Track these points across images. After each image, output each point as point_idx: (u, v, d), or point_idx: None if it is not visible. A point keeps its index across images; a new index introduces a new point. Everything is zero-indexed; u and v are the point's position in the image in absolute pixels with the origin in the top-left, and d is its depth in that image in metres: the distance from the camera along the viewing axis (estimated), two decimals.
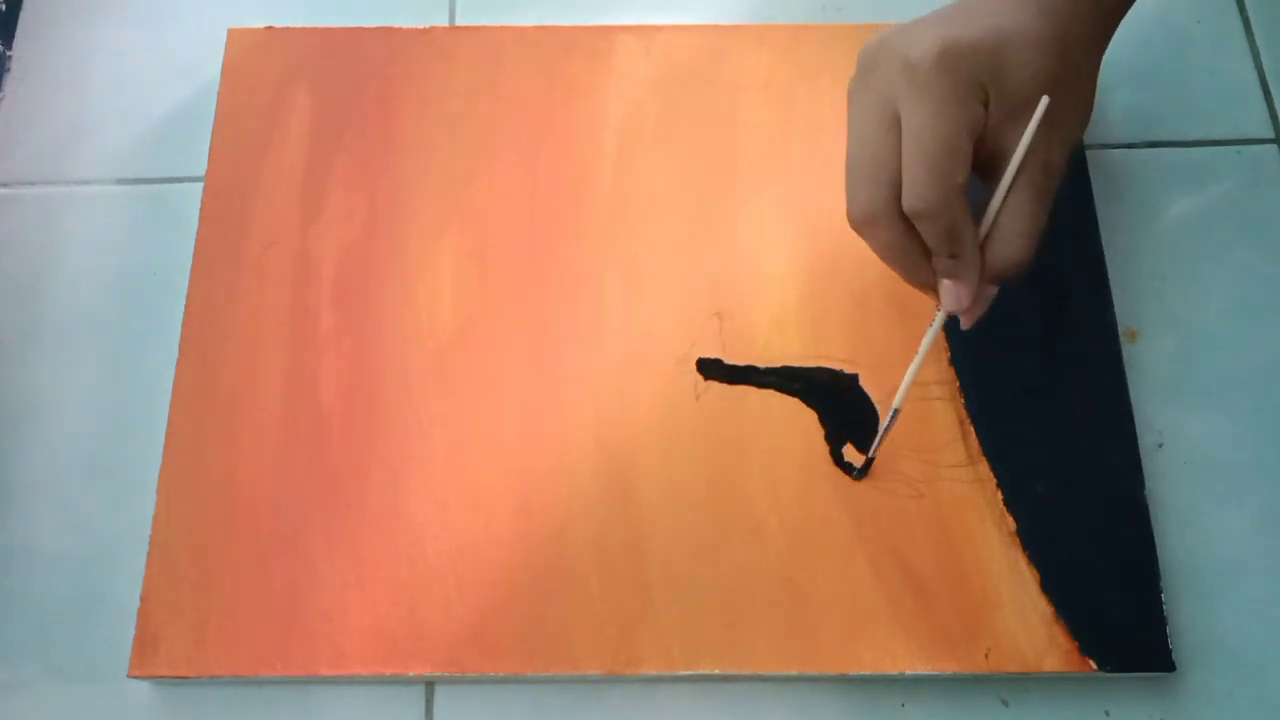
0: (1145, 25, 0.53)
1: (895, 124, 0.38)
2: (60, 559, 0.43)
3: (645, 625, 0.41)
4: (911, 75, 0.37)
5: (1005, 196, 0.38)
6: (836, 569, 0.41)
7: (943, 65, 0.37)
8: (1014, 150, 0.38)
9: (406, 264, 0.47)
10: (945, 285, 0.39)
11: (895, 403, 0.41)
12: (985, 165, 0.39)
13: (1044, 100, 0.37)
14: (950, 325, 0.44)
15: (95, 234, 0.49)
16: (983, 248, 0.39)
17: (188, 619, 0.41)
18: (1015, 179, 0.38)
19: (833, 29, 0.51)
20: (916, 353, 0.40)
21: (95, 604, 0.43)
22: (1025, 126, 0.38)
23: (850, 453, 0.43)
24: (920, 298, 0.46)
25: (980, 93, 0.38)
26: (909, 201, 0.37)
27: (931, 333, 0.40)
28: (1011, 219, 0.38)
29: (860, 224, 0.39)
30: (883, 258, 0.40)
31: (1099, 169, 0.49)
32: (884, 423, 0.42)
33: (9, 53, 0.53)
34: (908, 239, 0.38)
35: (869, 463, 0.43)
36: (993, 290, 0.39)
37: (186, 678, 0.40)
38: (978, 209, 0.39)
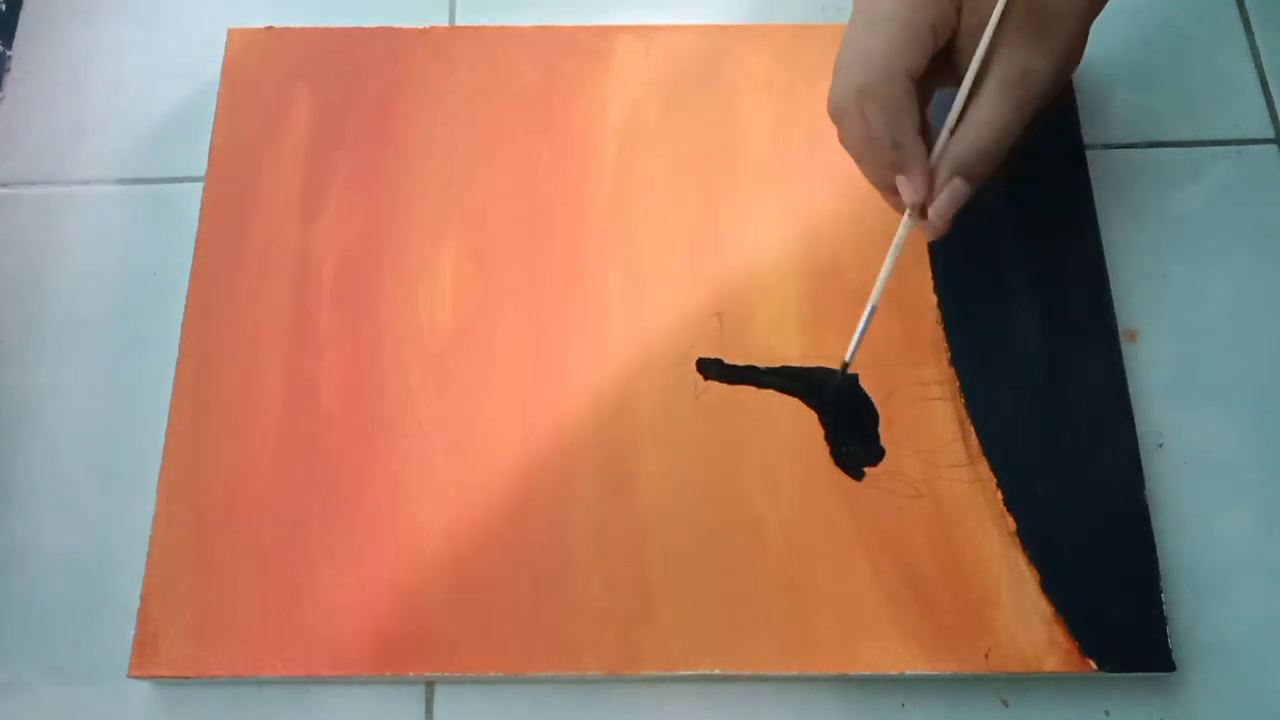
0: (1145, 25, 0.53)
1: (874, 24, 0.39)
2: (60, 559, 0.43)
3: (645, 625, 0.41)
4: None
5: (977, 93, 0.39)
6: (836, 569, 0.41)
7: None
8: (977, 49, 0.39)
9: (406, 264, 0.47)
10: (900, 180, 0.39)
11: (872, 300, 0.41)
12: (962, 79, 0.39)
13: None
14: (949, 325, 0.44)
15: (95, 234, 0.49)
16: (949, 142, 0.39)
17: (188, 619, 0.41)
18: (990, 78, 0.39)
19: (833, 29, 0.51)
20: (885, 257, 0.41)
21: (95, 604, 0.43)
22: (988, 26, 0.38)
23: (854, 457, 0.43)
24: (920, 298, 0.46)
25: None
26: (859, 81, 0.38)
27: (899, 235, 0.40)
28: (980, 110, 0.39)
29: (834, 115, 0.40)
30: (850, 152, 0.41)
31: (1099, 169, 0.49)
32: (862, 321, 0.41)
33: (9, 53, 0.53)
34: (864, 128, 0.39)
35: (845, 367, 0.43)
36: (960, 185, 0.39)
37: (186, 678, 0.40)
38: None
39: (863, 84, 0.38)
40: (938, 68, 0.40)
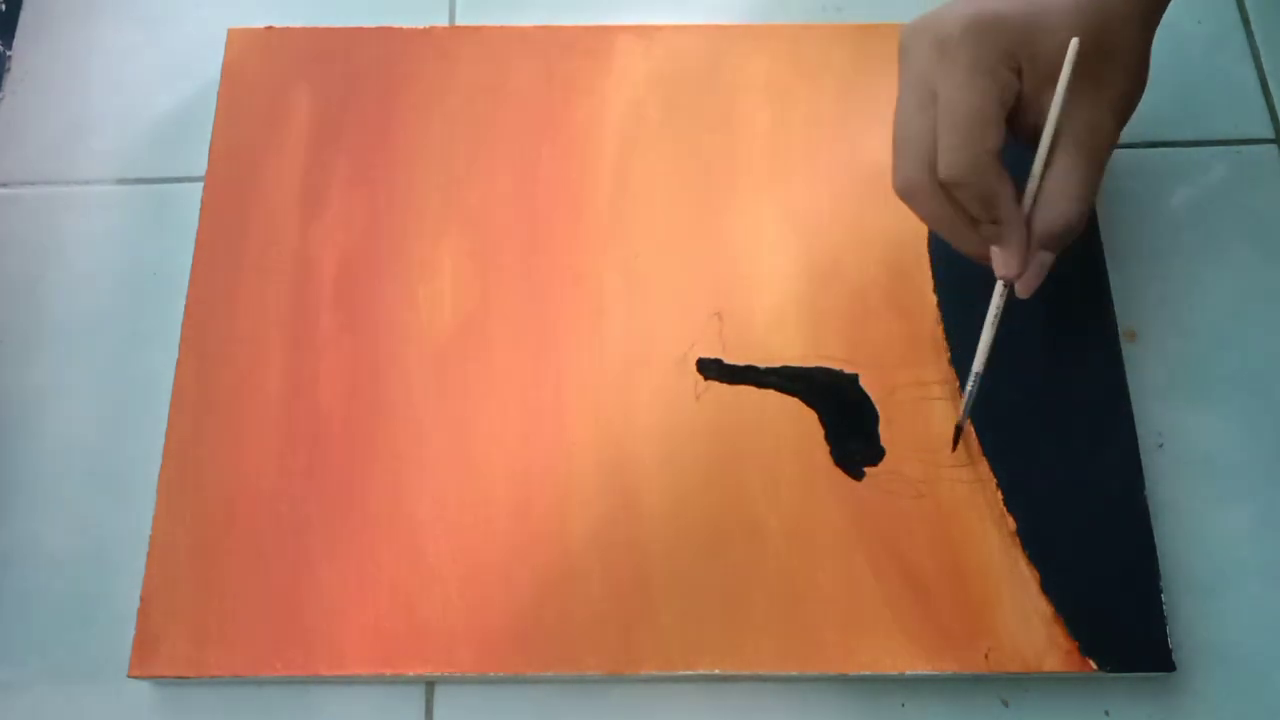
0: None
1: (931, 100, 0.38)
2: (60, 559, 0.43)
3: (645, 625, 0.41)
4: (942, 49, 0.38)
5: (1050, 159, 0.39)
6: (836, 569, 0.41)
7: (970, 37, 0.37)
8: (1049, 113, 0.38)
9: (406, 264, 0.47)
10: (994, 252, 0.39)
11: (976, 366, 0.41)
12: (1032, 137, 0.39)
13: (1073, 42, 0.37)
14: (949, 325, 0.44)
15: (95, 234, 0.49)
16: (1030, 215, 0.39)
17: (188, 619, 0.41)
18: (1060, 141, 0.38)
19: (833, 29, 0.51)
20: (985, 326, 0.41)
21: (95, 604, 0.43)
22: (1057, 88, 0.38)
23: (856, 456, 0.43)
24: (920, 298, 0.46)
25: (1011, 61, 0.38)
26: (944, 171, 0.38)
27: (995, 299, 0.40)
28: (1057, 180, 0.39)
29: (903, 196, 0.40)
30: (930, 226, 0.41)
31: None
32: (969, 387, 0.42)
33: (9, 53, 0.53)
34: (949, 208, 0.39)
35: (959, 431, 0.43)
36: (1048, 256, 0.40)
37: (186, 678, 0.40)
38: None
39: (950, 178, 0.38)
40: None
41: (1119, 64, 0.39)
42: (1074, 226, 0.39)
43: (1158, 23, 0.41)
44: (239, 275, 0.46)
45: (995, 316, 0.40)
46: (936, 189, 0.39)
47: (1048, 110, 0.38)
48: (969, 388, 0.42)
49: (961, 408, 0.43)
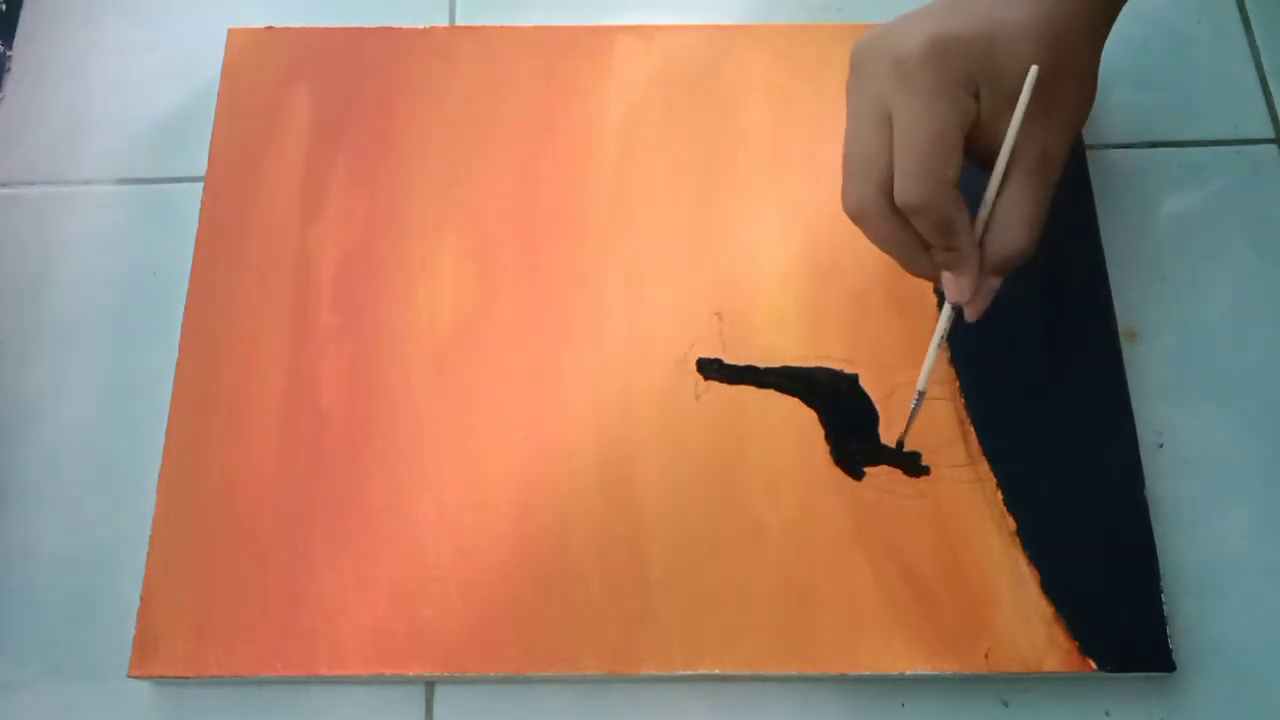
0: (1145, 25, 0.53)
1: (886, 121, 0.38)
2: (60, 559, 0.43)
3: (645, 625, 0.41)
4: (900, 71, 0.37)
5: (1002, 185, 0.38)
6: (836, 569, 0.41)
7: (930, 60, 0.37)
8: (1005, 141, 0.38)
9: (406, 264, 0.47)
10: (946, 277, 0.39)
11: (920, 385, 0.41)
12: (985, 158, 0.39)
13: (1032, 70, 0.37)
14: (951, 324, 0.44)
15: (95, 234, 0.49)
16: (982, 240, 0.39)
17: (188, 619, 0.41)
18: (1013, 168, 0.38)
19: (833, 29, 0.51)
20: (929, 346, 0.41)
21: (95, 604, 0.43)
22: (1014, 116, 0.37)
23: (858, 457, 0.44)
24: (920, 298, 0.46)
25: (970, 85, 0.38)
26: (900, 197, 0.37)
27: (942, 321, 0.40)
28: (1009, 208, 0.38)
29: (854, 217, 0.39)
30: (882, 249, 0.40)
31: (1099, 169, 0.49)
32: (914, 405, 0.42)
33: (9, 53, 0.53)
34: (903, 232, 0.39)
35: (900, 446, 0.43)
36: (996, 281, 0.39)
37: (186, 678, 0.40)
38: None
39: (907, 204, 0.37)
40: None
41: (1073, 83, 0.39)
42: (1026, 253, 0.39)
43: (1106, 37, 0.41)
44: (239, 275, 0.46)
45: (941, 338, 0.40)
46: (890, 212, 0.38)
47: (1003, 133, 0.38)
48: (914, 405, 0.42)
49: (906, 425, 0.43)
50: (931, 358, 0.41)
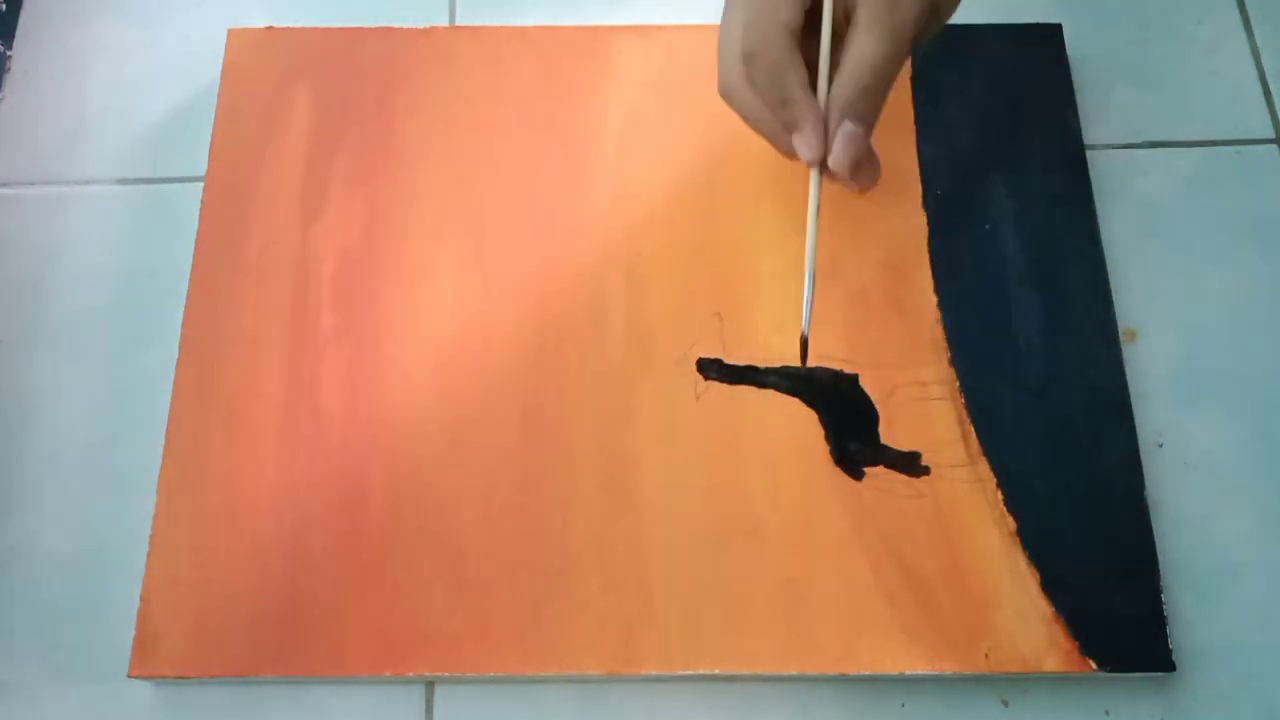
0: (1145, 25, 0.53)
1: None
2: (60, 559, 0.43)
3: (645, 625, 0.41)
4: None
5: (850, 32, 0.38)
6: (836, 569, 0.41)
7: None
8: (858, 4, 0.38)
9: (406, 264, 0.47)
10: (796, 138, 0.39)
11: (808, 266, 0.41)
12: (841, 25, 0.39)
13: None
14: (949, 325, 0.44)
15: (95, 234, 0.49)
16: (831, 88, 0.39)
17: (188, 619, 0.41)
18: (857, 17, 0.38)
19: None
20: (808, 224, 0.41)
21: (95, 604, 0.43)
22: None
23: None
24: (920, 298, 0.46)
25: None
26: (742, 49, 0.38)
27: (813, 195, 0.40)
28: (850, 50, 0.38)
29: (723, 95, 0.40)
30: (750, 127, 0.41)
31: (1099, 169, 0.49)
32: (807, 292, 0.41)
33: (9, 53, 0.53)
34: (758, 100, 0.39)
35: (804, 342, 0.42)
36: (853, 130, 0.39)
37: (186, 678, 0.40)
38: None
39: (744, 51, 0.38)
40: (816, 21, 0.40)
41: None
42: (872, 91, 0.38)
43: None
44: (239, 275, 0.46)
45: (815, 210, 0.40)
46: (746, 82, 0.39)
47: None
48: (806, 293, 0.41)
49: (803, 316, 0.42)
50: (812, 234, 0.40)
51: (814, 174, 0.40)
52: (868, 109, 0.39)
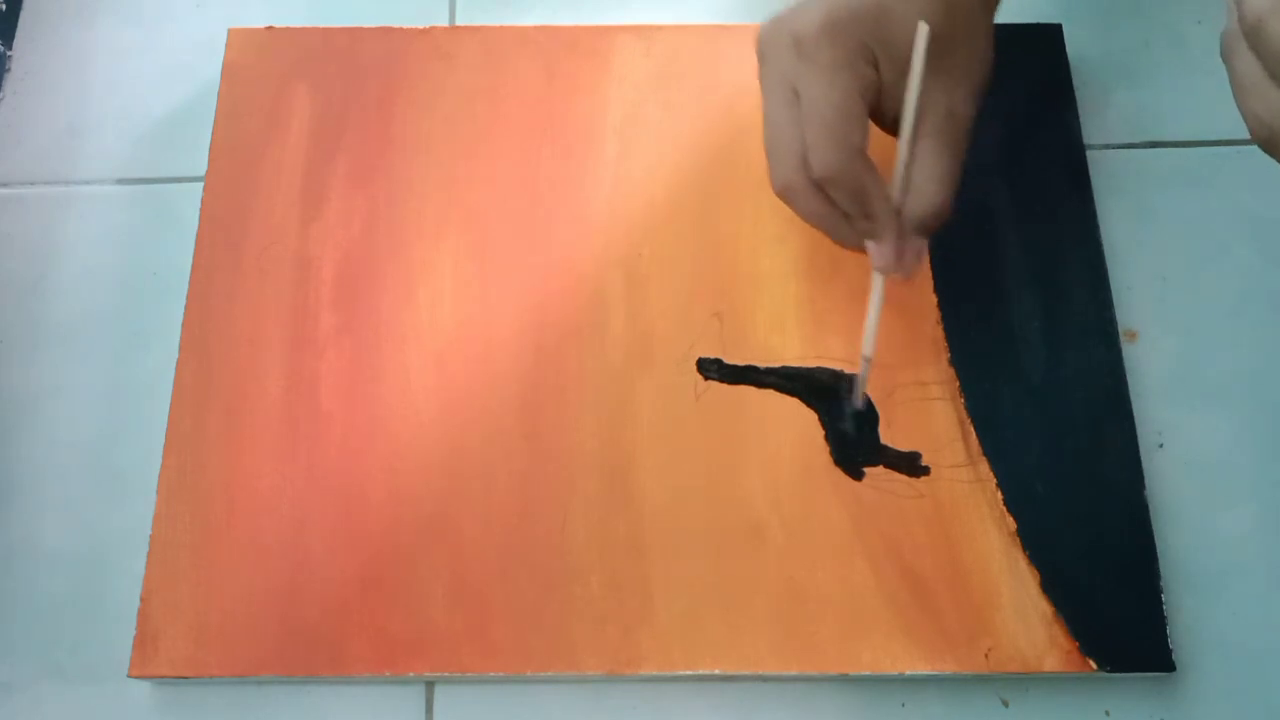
0: (1145, 25, 0.53)
1: (795, 99, 0.39)
2: (60, 559, 0.43)
3: (645, 625, 0.41)
4: (800, 49, 0.39)
5: (912, 148, 0.39)
6: (836, 569, 0.41)
7: (826, 35, 0.38)
8: (905, 102, 0.39)
9: (406, 264, 0.47)
10: (869, 246, 0.41)
11: (865, 351, 0.42)
12: (894, 125, 0.40)
13: (921, 26, 0.38)
14: (949, 325, 0.44)
15: (95, 234, 0.49)
16: (902, 205, 0.40)
17: (188, 619, 0.41)
18: (921, 129, 0.39)
19: None
20: (868, 314, 0.42)
21: (95, 604, 0.43)
22: (910, 76, 0.39)
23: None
24: (920, 298, 0.46)
25: (867, 55, 0.39)
26: (815, 170, 0.39)
27: (876, 291, 0.41)
28: (922, 168, 0.40)
29: (782, 197, 0.41)
30: (810, 224, 0.41)
31: (1099, 169, 0.49)
32: (861, 373, 0.43)
33: (9, 53, 0.53)
34: (825, 206, 0.40)
35: (868, 405, 0.43)
36: (921, 243, 0.41)
37: (186, 678, 0.40)
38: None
39: (822, 173, 0.39)
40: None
41: (966, 49, 0.40)
42: (942, 211, 0.40)
43: (997, 6, 0.42)
44: (239, 275, 0.46)
45: (878, 305, 0.41)
46: (811, 187, 0.39)
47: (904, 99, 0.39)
48: (860, 373, 0.43)
49: (855, 392, 0.43)
50: (872, 325, 0.42)
51: (878, 275, 0.41)
52: (940, 223, 0.40)
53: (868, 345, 0.42)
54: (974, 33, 0.41)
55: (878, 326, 0.42)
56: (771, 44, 0.40)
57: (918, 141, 0.39)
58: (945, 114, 0.40)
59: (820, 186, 0.39)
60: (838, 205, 0.40)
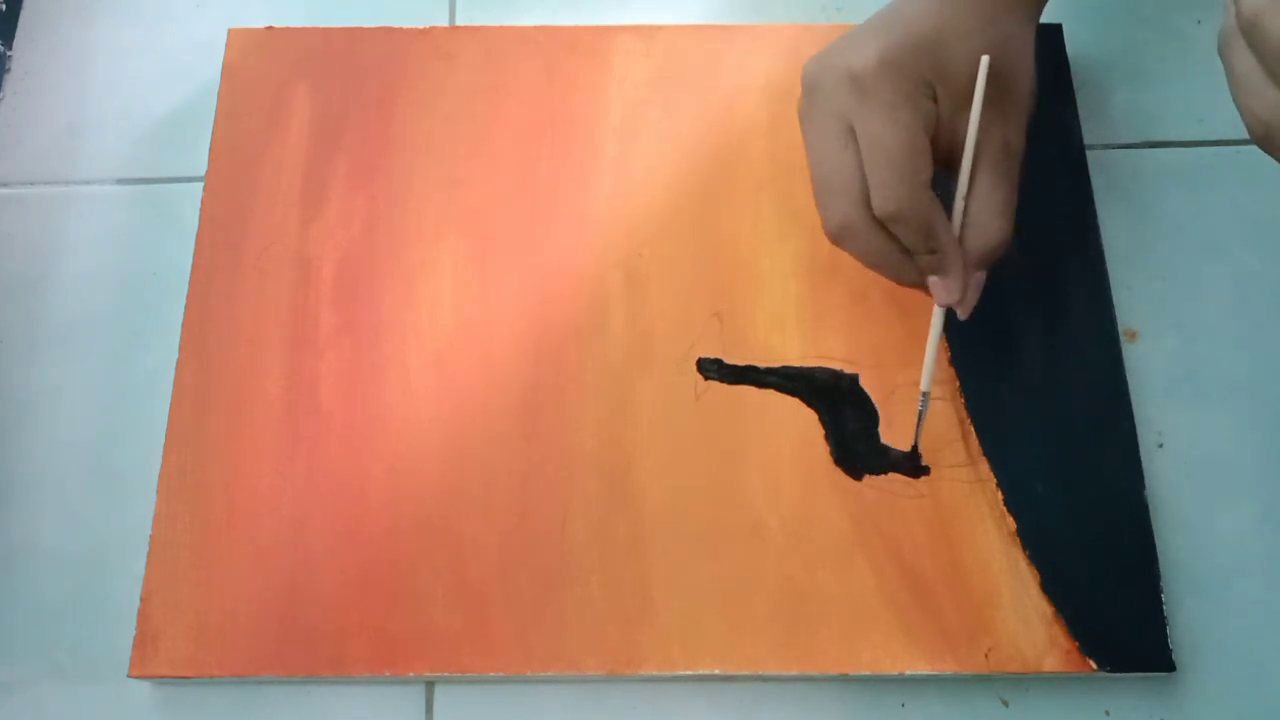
0: (1145, 25, 0.53)
1: (851, 137, 0.39)
2: (60, 559, 0.43)
3: (645, 625, 0.41)
4: (858, 86, 0.38)
5: (971, 181, 0.39)
6: (836, 569, 0.41)
7: (885, 71, 0.38)
8: (967, 135, 0.39)
9: (406, 264, 0.47)
10: (933, 281, 0.40)
11: (924, 386, 0.42)
12: (946, 158, 0.40)
13: (984, 60, 0.38)
14: (949, 325, 0.44)
15: (95, 234, 0.49)
16: (960, 237, 0.40)
17: (188, 619, 0.41)
18: (979, 161, 0.39)
19: (833, 29, 0.51)
20: (925, 349, 0.42)
21: (95, 604, 0.43)
22: (972, 109, 0.39)
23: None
24: (920, 297, 0.46)
25: (928, 89, 0.39)
26: (881, 207, 0.38)
27: (935, 326, 0.41)
28: (982, 202, 0.39)
29: (838, 238, 0.40)
30: (867, 265, 0.41)
31: (1099, 169, 0.49)
32: (920, 408, 0.42)
33: (9, 53, 0.53)
34: (887, 243, 0.40)
35: (915, 451, 0.43)
36: (981, 276, 0.40)
37: (186, 678, 0.40)
38: (947, 201, 0.40)
39: (889, 210, 0.38)
40: None
41: (1017, 77, 0.41)
42: (1004, 243, 0.40)
43: (1036, 30, 0.42)
44: (239, 275, 0.46)
45: (936, 339, 0.41)
46: (873, 226, 0.39)
47: (962, 133, 0.39)
48: (920, 408, 0.42)
49: (915, 429, 0.43)
50: (930, 359, 0.41)
51: (939, 309, 0.41)
52: (998, 257, 0.40)
53: (926, 380, 0.42)
54: (1022, 63, 0.41)
55: (934, 362, 0.42)
56: (823, 81, 0.40)
57: (977, 174, 0.39)
58: (1001, 146, 0.40)
59: (883, 225, 0.39)
60: (897, 244, 0.39)
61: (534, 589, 0.41)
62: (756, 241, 0.47)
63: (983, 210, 0.39)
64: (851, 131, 0.39)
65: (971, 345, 0.45)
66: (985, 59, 0.38)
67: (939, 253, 0.39)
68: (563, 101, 0.50)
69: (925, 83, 0.39)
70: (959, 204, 0.40)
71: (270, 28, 0.51)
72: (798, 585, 0.41)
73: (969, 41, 0.39)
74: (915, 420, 0.43)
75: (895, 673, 0.40)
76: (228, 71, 0.50)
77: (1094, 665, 0.40)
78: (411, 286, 0.46)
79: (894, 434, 0.43)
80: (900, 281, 0.41)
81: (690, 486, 0.43)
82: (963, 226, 0.40)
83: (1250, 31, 0.29)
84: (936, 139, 0.39)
